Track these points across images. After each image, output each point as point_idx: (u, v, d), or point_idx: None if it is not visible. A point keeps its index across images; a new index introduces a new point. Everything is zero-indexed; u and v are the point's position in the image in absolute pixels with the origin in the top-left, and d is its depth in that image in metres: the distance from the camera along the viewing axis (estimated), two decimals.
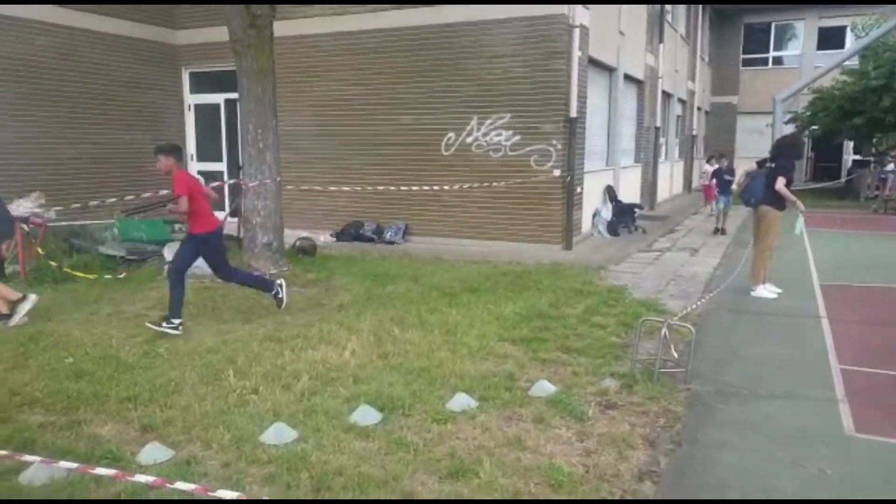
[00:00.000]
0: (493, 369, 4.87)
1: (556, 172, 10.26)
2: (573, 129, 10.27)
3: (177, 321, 5.73)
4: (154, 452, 3.64)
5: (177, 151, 5.91)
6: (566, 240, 10.39)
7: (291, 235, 9.25)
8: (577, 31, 10.04)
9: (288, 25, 10.86)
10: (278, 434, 3.82)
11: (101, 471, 2.81)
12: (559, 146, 10.23)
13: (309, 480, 3.34)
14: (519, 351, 5.30)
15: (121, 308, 6.51)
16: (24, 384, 4.62)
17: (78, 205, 8.52)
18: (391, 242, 10.92)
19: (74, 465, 2.90)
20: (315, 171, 11.68)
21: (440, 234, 11.09)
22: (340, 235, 11.33)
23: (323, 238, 10.82)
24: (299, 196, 11.18)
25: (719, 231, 12.57)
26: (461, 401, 4.23)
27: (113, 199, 8.55)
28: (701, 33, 22.83)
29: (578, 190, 10.77)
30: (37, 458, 3.10)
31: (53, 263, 7.53)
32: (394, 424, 3.98)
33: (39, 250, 7.61)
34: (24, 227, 7.49)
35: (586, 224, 11.76)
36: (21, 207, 7.66)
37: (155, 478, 2.77)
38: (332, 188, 11.10)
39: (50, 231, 8.20)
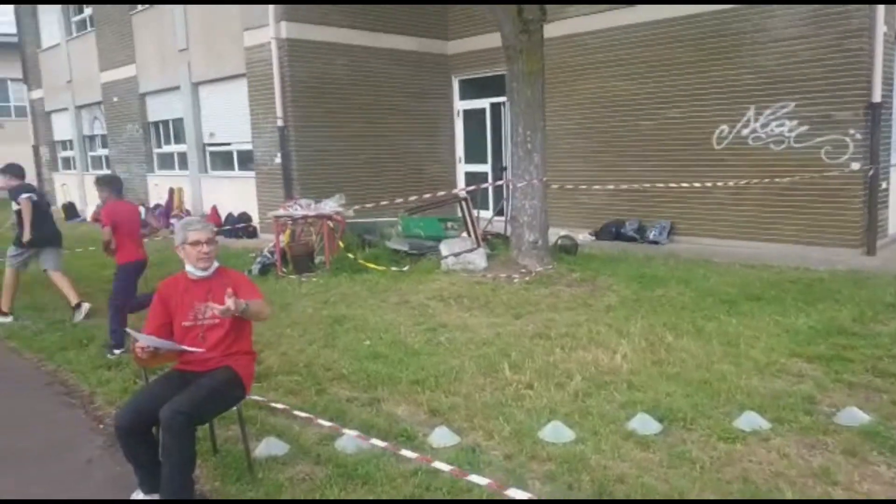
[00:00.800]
0: (786, 388, 4.39)
1: (855, 166, 8.95)
2: (876, 117, 8.86)
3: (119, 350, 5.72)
4: (442, 436, 3.91)
5: (112, 184, 6.08)
6: (868, 243, 9.00)
7: (552, 234, 9.37)
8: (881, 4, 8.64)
9: (553, 27, 10.98)
10: (556, 432, 3.88)
11: (405, 452, 3.10)
12: (858, 136, 8.91)
13: (590, 483, 3.34)
14: (817, 370, 4.71)
15: (406, 298, 7.16)
16: (333, 361, 5.31)
17: (371, 204, 9.60)
18: (654, 242, 10.49)
19: (383, 443, 3.24)
20: (575, 169, 11.68)
21: (709, 235, 10.37)
22: (600, 234, 11.19)
23: (582, 236, 10.78)
24: (558, 194, 11.26)
25: None
26: (750, 420, 3.89)
27: (399, 200, 9.48)
28: None
29: (884, 186, 9.27)
30: (353, 433, 3.54)
31: (351, 256, 8.59)
32: (675, 437, 3.80)
33: (340, 244, 8.74)
34: (329, 223, 8.66)
35: (894, 226, 10.08)
36: (327, 206, 8.87)
37: (452, 466, 2.97)
38: (594, 186, 11.00)
39: (347, 227, 9.35)
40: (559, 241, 9.32)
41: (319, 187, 11.28)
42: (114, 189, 6.05)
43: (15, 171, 7.16)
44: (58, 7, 18.50)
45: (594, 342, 5.48)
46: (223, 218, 13.17)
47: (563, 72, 11.67)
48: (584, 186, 11.08)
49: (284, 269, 8.67)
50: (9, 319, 7.09)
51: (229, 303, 3.17)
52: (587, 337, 5.62)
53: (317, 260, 8.84)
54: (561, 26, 11.36)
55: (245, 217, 12.88)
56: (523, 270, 7.91)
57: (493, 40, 12.30)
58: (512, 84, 8.11)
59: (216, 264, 3.56)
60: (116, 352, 5.73)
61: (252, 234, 12.60)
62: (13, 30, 21.63)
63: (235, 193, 13.31)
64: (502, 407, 4.31)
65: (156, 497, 3.25)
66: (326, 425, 3.70)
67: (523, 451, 3.72)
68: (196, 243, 3.45)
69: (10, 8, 20.96)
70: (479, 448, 3.79)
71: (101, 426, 4.41)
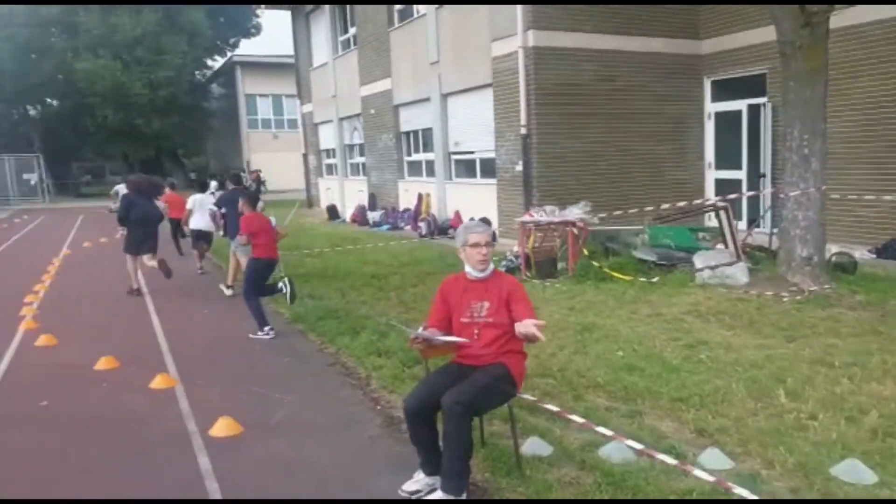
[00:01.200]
0: None
1: None
2: None
3: (266, 328, 6.85)
4: (714, 459, 3.68)
5: (248, 196, 7.58)
6: None
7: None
8: None
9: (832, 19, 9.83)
10: (853, 471, 3.45)
11: (699, 473, 2.92)
12: None
13: None
14: None
15: (658, 310, 6.88)
16: (586, 369, 5.27)
17: (619, 212, 9.41)
18: None
19: (673, 461, 3.09)
20: (851, 177, 10.29)
21: None
22: (882, 251, 9.74)
23: (859, 253, 9.49)
24: (829, 205, 10.00)
25: None
26: None
27: (650, 207, 9.15)
28: None
29: None
30: (634, 444, 3.45)
31: (595, 264, 8.48)
32: None
33: (584, 251, 8.68)
34: (574, 230, 8.65)
35: None
36: (572, 213, 8.86)
37: (755, 496, 2.74)
38: (884, 197, 9.59)
39: (588, 235, 9.25)
40: (833, 258, 8.30)
41: (558, 194, 11.33)
42: (251, 202, 7.46)
43: (234, 179, 9.80)
44: (328, 29, 20.91)
45: (891, 375, 4.78)
46: None
47: (838, 68, 10.34)
48: (871, 197, 9.69)
49: (528, 273, 8.84)
50: (230, 292, 8.92)
51: (535, 332, 3.35)
52: (881, 368, 4.92)
53: (559, 266, 8.87)
54: (837, 18, 10.09)
55: (486, 222, 13.37)
56: (793, 288, 7.16)
57: (751, 37, 11.43)
58: (788, 83, 7.40)
59: (492, 266, 3.73)
60: (262, 331, 6.85)
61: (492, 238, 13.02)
62: (290, 52, 24.96)
63: (477, 199, 13.90)
64: (781, 435, 3.94)
65: (436, 479, 3.47)
66: (602, 432, 3.67)
67: (813, 486, 3.37)
68: (476, 245, 3.66)
69: (289, 32, 24.19)
70: (758, 477, 3.50)
71: (378, 407, 4.85)
